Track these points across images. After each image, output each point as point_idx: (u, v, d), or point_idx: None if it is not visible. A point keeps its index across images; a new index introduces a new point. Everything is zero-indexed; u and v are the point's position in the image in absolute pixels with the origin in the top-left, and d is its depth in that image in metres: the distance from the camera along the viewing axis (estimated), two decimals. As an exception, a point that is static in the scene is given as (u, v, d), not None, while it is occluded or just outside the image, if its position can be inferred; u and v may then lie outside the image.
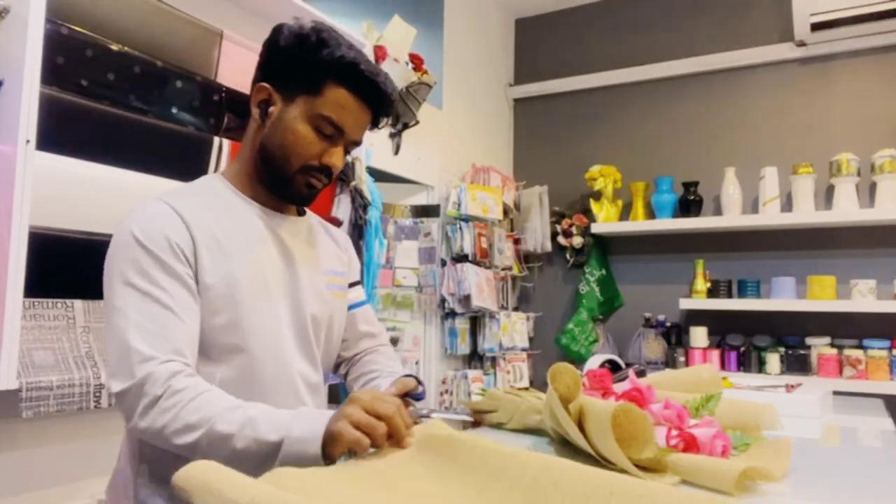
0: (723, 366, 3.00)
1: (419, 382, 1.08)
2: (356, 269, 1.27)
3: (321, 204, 1.94)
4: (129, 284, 0.89)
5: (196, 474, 0.63)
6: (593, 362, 1.60)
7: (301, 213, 1.15)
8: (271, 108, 1.01)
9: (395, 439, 0.79)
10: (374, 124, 1.08)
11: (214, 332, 0.95)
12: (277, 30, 1.01)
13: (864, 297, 2.76)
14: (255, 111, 1.03)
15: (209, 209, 1.00)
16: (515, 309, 3.51)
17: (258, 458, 0.79)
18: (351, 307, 1.22)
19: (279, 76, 1.01)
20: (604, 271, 3.41)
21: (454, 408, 2.97)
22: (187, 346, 0.89)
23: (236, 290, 0.96)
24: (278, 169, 1.01)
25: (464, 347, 3.06)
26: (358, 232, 2.08)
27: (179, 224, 0.94)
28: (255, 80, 1.03)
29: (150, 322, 0.87)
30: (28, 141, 1.23)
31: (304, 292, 1.06)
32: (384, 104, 1.04)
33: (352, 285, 1.23)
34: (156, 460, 0.94)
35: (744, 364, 2.98)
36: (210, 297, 0.94)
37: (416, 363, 2.95)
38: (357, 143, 1.05)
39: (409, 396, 1.05)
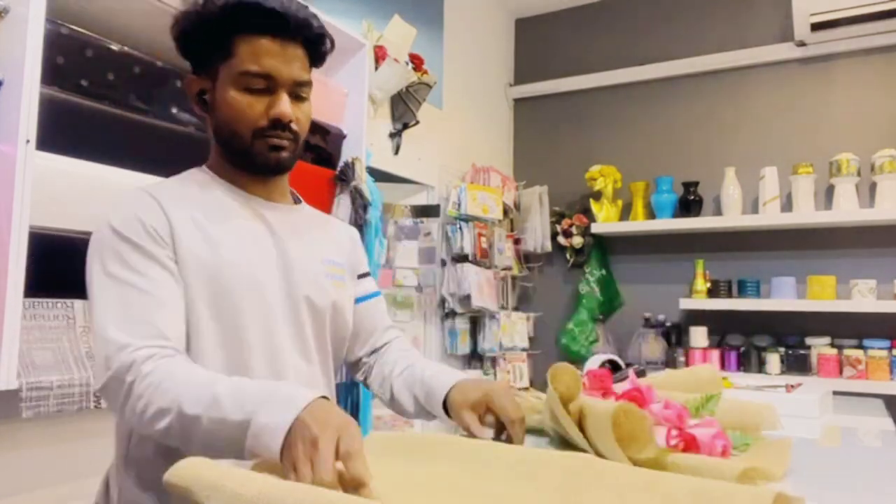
0: (723, 366, 3.00)
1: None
2: (363, 260, 1.21)
3: (321, 205, 1.94)
4: (108, 275, 0.87)
5: (191, 471, 0.63)
6: (593, 362, 1.60)
7: (297, 202, 1.11)
8: (206, 96, 0.98)
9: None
10: (315, 57, 1.00)
11: (199, 320, 0.91)
12: (178, 17, 0.96)
13: (864, 297, 2.76)
14: (196, 109, 1.00)
15: (190, 197, 0.97)
16: (515, 309, 3.51)
17: (227, 442, 0.74)
18: (364, 298, 1.17)
19: (198, 60, 0.97)
20: (604, 271, 3.41)
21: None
22: (170, 328, 0.86)
23: (220, 275, 0.92)
24: (237, 146, 0.97)
25: (464, 347, 3.06)
26: (358, 232, 2.08)
27: (155, 208, 0.92)
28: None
29: (127, 309, 0.84)
30: (28, 141, 1.23)
31: (297, 275, 1.00)
32: (298, 26, 0.95)
33: (361, 276, 1.18)
34: (144, 462, 0.91)
35: (744, 364, 2.98)
36: (191, 282, 0.91)
37: (416, 363, 2.95)
38: (301, 84, 0.97)
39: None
